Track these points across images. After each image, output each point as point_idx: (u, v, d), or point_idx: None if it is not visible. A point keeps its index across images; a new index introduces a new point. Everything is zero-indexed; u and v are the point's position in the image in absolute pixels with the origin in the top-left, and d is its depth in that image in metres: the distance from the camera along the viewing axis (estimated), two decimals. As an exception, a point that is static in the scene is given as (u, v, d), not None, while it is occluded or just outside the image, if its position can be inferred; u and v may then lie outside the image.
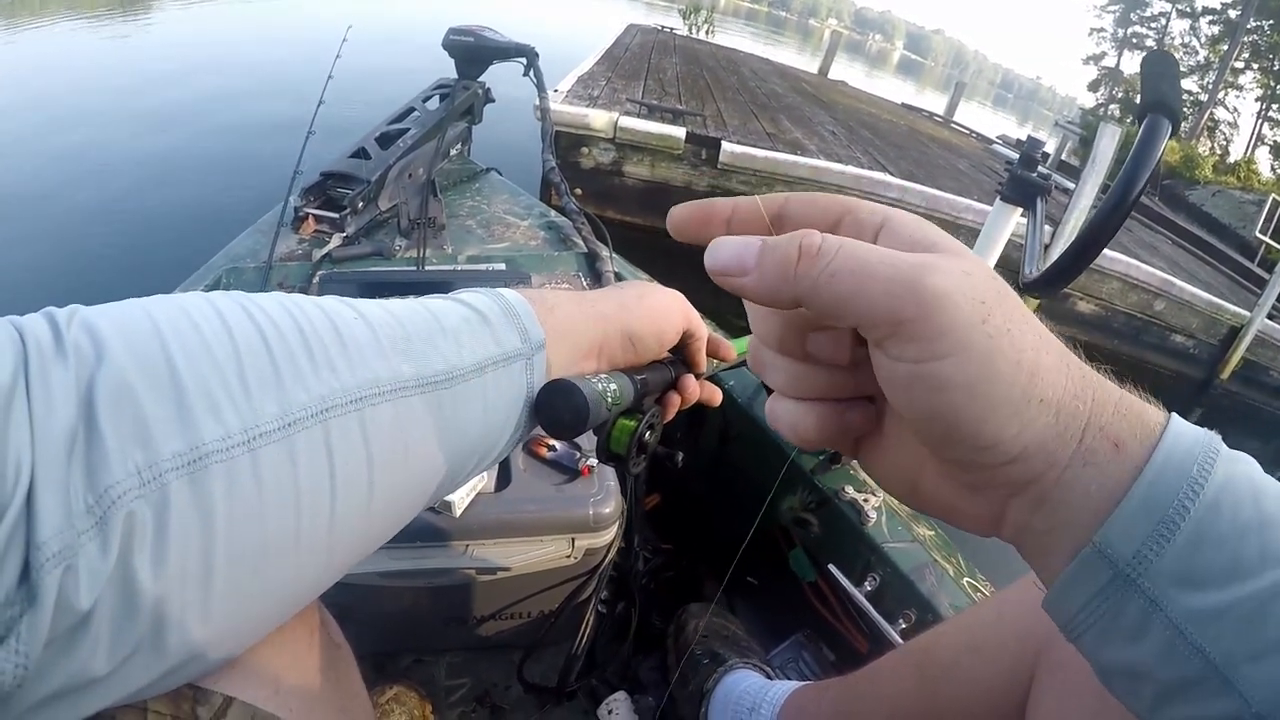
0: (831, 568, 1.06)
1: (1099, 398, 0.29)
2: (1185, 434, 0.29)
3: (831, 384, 0.34)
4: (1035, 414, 0.28)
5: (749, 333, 0.45)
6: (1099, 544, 0.28)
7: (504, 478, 0.96)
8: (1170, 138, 0.74)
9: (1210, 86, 28.54)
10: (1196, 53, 29.63)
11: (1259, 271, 9.76)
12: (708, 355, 0.61)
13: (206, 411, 0.30)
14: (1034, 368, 0.28)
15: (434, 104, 1.94)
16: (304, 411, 0.32)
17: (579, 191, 5.37)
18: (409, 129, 1.78)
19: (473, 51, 1.91)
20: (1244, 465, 0.28)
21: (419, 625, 1.04)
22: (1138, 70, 0.76)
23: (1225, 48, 27.76)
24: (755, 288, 0.30)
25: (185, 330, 0.31)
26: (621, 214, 5.55)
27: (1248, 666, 0.26)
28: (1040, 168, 1.28)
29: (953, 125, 15.16)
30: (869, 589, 1.02)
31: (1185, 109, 28.65)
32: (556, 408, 0.44)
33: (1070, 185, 6.24)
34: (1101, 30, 34.07)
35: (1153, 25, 31.08)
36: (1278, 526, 0.27)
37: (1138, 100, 0.73)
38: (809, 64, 18.62)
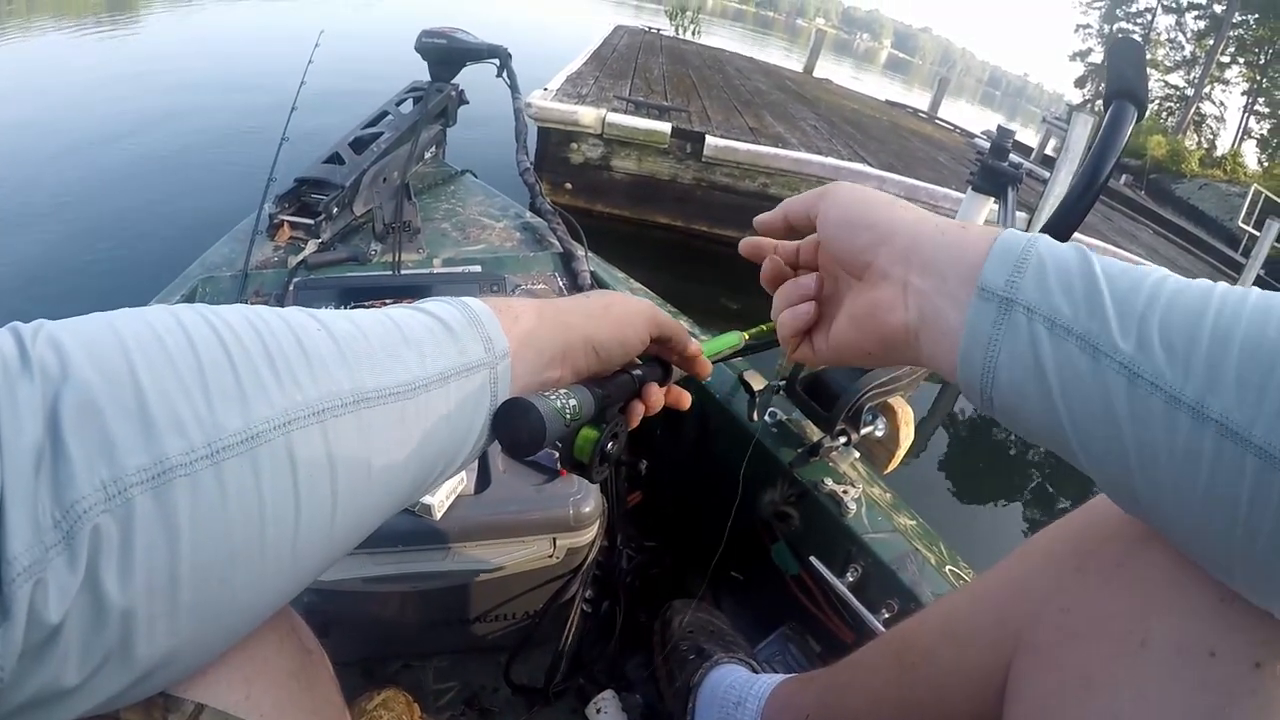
0: (813, 560, 1.06)
1: (949, 220, 0.49)
2: (1018, 230, 0.45)
3: (799, 291, 0.56)
4: (898, 212, 0.50)
5: (733, 329, 0.71)
6: (980, 285, 0.43)
7: (483, 479, 0.96)
8: (1136, 123, 0.75)
9: (1196, 81, 28.67)
10: (1182, 48, 29.76)
11: (1240, 259, 9.84)
12: (680, 364, 0.63)
13: (170, 426, 0.30)
14: (893, 200, 0.51)
15: (408, 107, 1.94)
16: (267, 424, 0.33)
17: (569, 186, 5.59)
18: (383, 133, 1.78)
19: (445, 53, 1.91)
20: (1051, 239, 0.43)
21: (405, 629, 1.04)
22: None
23: (1211, 42, 27.88)
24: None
25: (149, 344, 0.31)
26: (610, 207, 5.74)
27: (1101, 336, 0.38)
28: (1012, 156, 1.29)
29: (936, 121, 15.27)
30: (851, 580, 1.03)
31: (1172, 104, 28.84)
32: (514, 427, 0.45)
33: (1046, 175, 6.31)
34: (1088, 26, 34.05)
35: (1138, 20, 30.94)
36: (1080, 260, 0.41)
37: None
38: (796, 64, 18.67)
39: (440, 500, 0.89)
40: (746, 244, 0.61)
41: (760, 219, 0.59)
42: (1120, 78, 0.73)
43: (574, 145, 5.58)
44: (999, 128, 1.36)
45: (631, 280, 1.62)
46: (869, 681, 0.74)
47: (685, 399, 0.64)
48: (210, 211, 4.10)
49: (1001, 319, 0.41)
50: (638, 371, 0.58)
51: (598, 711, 1.06)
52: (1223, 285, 0.39)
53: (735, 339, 0.71)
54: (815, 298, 0.56)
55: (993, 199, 1.26)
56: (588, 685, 1.09)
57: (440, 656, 1.10)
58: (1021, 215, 6.24)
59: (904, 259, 0.47)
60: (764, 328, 0.73)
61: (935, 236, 0.46)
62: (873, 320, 0.49)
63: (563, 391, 0.48)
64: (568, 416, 0.47)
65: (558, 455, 0.99)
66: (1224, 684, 0.41)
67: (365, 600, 0.93)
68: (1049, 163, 10.90)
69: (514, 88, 2.01)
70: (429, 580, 0.92)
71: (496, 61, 1.96)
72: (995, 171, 1.23)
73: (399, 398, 0.39)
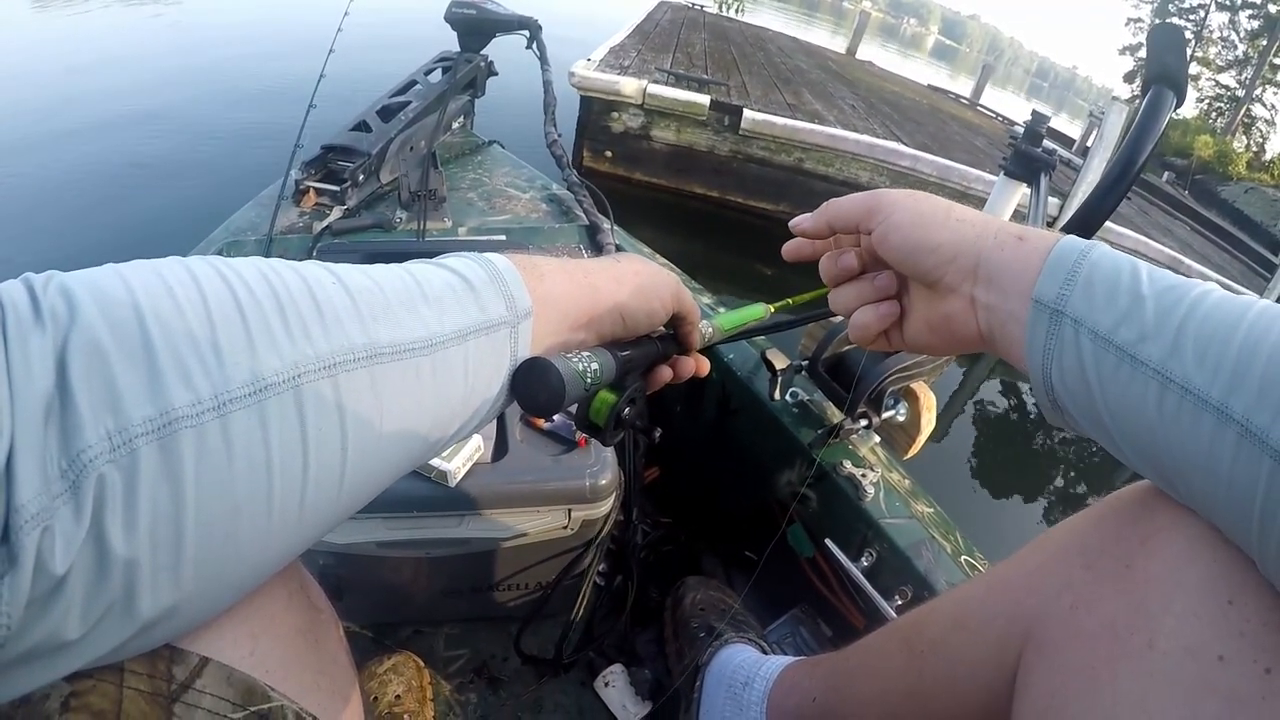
0: (829, 543, 1.06)
1: (1007, 226, 0.51)
2: (1076, 237, 0.48)
3: (878, 293, 0.58)
4: (956, 227, 0.52)
5: (759, 301, 0.71)
6: (1035, 297, 0.46)
7: (501, 448, 0.96)
8: (1174, 110, 0.73)
9: (1248, 82, 27.87)
10: (1235, 47, 28.75)
11: (1277, 260, 9.65)
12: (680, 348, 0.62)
13: (177, 377, 0.30)
14: (949, 208, 0.53)
15: (436, 77, 1.93)
16: (276, 377, 0.32)
17: (609, 154, 5.81)
18: (410, 102, 1.77)
19: (475, 24, 1.89)
20: (1107, 249, 0.47)
21: (417, 596, 1.05)
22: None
23: (1264, 43, 26.98)
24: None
25: (159, 294, 0.31)
26: (649, 175, 5.88)
27: (1139, 345, 0.42)
28: (1046, 143, 1.25)
29: (978, 107, 15.12)
30: (865, 565, 1.02)
31: (1223, 104, 28.13)
32: (533, 387, 0.44)
33: (1081, 163, 6.24)
34: (1139, 21, 32.79)
35: (1191, 17, 29.65)
36: (1130, 273, 0.44)
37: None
38: (840, 46, 18.53)
39: (456, 467, 0.89)
40: (790, 249, 0.63)
41: (800, 224, 0.60)
42: (1159, 63, 0.71)
43: (615, 114, 5.73)
44: (1034, 112, 1.33)
45: (657, 255, 1.61)
46: (878, 667, 0.73)
47: (705, 366, 0.63)
48: (236, 177, 4.13)
49: (1054, 330, 0.45)
50: (659, 339, 0.58)
51: (606, 685, 1.06)
52: (1266, 302, 0.41)
53: (760, 311, 0.70)
54: (895, 296, 0.58)
55: (1025, 185, 1.23)
56: (597, 658, 1.09)
57: (452, 624, 1.11)
58: (1054, 201, 6.16)
59: (970, 275, 0.51)
60: (789, 301, 0.72)
61: (995, 252, 0.50)
62: (948, 330, 0.54)
63: (585, 354, 0.48)
64: (588, 380, 0.46)
65: (575, 427, 0.98)
66: (1233, 689, 0.40)
67: (379, 565, 0.93)
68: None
69: (543, 60, 1.99)
70: (443, 547, 0.92)
71: (526, 33, 1.95)
72: (1028, 157, 1.20)
73: (415, 354, 0.38)
